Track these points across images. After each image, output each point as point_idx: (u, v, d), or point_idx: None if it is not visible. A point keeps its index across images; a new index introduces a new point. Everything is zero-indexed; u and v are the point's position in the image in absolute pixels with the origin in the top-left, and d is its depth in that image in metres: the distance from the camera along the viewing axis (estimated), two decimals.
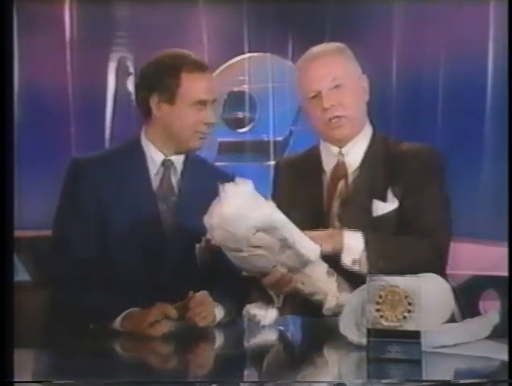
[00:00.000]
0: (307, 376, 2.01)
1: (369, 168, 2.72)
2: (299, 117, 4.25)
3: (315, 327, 2.52)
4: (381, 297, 1.97)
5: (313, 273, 2.47)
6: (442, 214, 2.67)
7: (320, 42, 2.86)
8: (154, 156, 2.66)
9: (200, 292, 2.46)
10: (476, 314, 2.47)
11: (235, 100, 4.42)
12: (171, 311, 2.38)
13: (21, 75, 4.21)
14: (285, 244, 2.38)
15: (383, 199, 2.66)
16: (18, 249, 2.81)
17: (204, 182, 2.59)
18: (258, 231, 2.34)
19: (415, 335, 1.95)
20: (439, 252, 2.63)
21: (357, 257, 2.53)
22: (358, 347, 2.05)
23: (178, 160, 2.67)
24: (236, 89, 4.44)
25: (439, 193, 2.69)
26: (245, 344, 2.39)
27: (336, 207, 2.69)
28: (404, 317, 1.96)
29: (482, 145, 4.03)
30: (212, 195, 2.35)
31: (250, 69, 4.42)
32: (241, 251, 2.36)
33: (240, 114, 4.45)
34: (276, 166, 2.95)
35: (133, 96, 3.57)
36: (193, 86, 2.61)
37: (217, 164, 3.42)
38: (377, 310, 1.97)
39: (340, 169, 2.73)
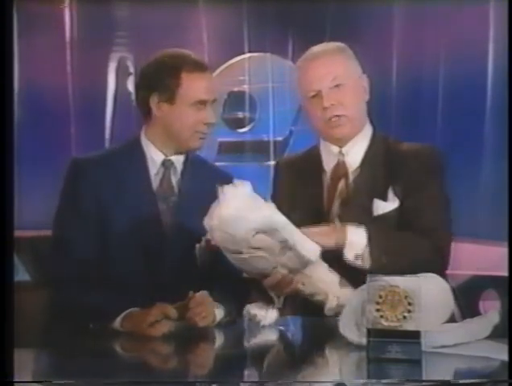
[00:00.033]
0: (307, 376, 2.01)
1: (370, 168, 2.72)
2: (299, 117, 4.25)
3: (316, 327, 2.52)
4: (381, 297, 1.97)
5: (314, 273, 2.47)
6: (442, 214, 2.67)
7: (320, 42, 2.85)
8: (154, 156, 2.66)
9: (200, 292, 2.46)
10: (476, 314, 2.47)
11: (235, 100, 4.43)
12: (171, 311, 2.38)
13: (21, 76, 4.21)
14: (285, 246, 2.38)
15: (384, 198, 2.66)
16: (18, 249, 2.80)
17: (204, 182, 2.59)
18: (258, 233, 2.34)
19: (415, 335, 1.95)
20: (441, 251, 2.63)
21: (360, 252, 2.53)
22: (358, 347, 2.05)
23: (178, 160, 2.67)
24: (236, 89, 4.44)
25: (440, 193, 2.69)
26: (246, 344, 2.39)
27: (336, 206, 2.69)
28: (404, 317, 1.96)
29: (482, 145, 4.03)
30: (212, 195, 2.35)
31: (250, 69, 4.43)
32: (241, 253, 2.36)
33: (240, 114, 4.45)
34: (276, 166, 2.95)
35: (133, 96, 3.57)
36: (193, 86, 2.61)
37: (217, 164, 3.42)
38: (377, 310, 1.97)
39: (340, 168, 2.73)
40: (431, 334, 2.02)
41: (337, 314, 2.34)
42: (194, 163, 2.70)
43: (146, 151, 2.66)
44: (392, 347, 1.95)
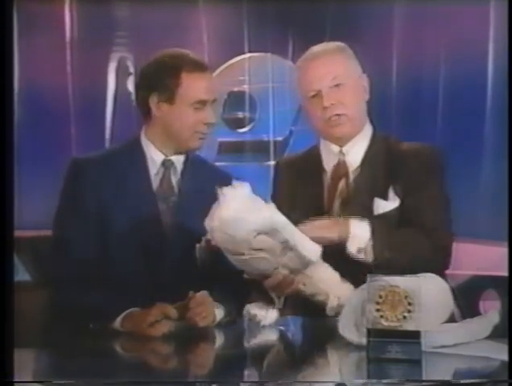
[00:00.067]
0: (307, 376, 2.01)
1: (370, 167, 2.72)
2: (299, 116, 4.25)
3: (316, 327, 2.52)
4: (381, 297, 1.97)
5: (314, 273, 2.47)
6: (442, 214, 2.67)
7: (320, 42, 2.85)
8: (154, 156, 2.66)
9: (201, 292, 2.46)
10: (476, 314, 2.47)
11: (235, 100, 4.43)
12: (171, 311, 2.38)
13: (21, 76, 4.21)
14: (286, 246, 2.38)
15: (384, 197, 2.66)
16: (18, 249, 2.80)
17: (204, 182, 2.59)
18: (259, 234, 2.34)
19: (415, 335, 1.95)
20: (442, 251, 2.63)
21: (363, 246, 2.54)
22: (358, 347, 2.05)
23: (178, 160, 2.67)
24: (236, 89, 4.44)
25: (440, 192, 2.69)
26: (246, 344, 2.39)
27: (336, 206, 2.69)
28: (404, 317, 1.96)
29: (482, 145, 4.03)
30: (212, 195, 2.35)
31: (250, 69, 4.43)
32: (242, 254, 2.36)
33: (240, 114, 4.45)
34: (276, 166, 2.95)
35: (133, 96, 3.57)
36: (193, 86, 2.61)
37: (217, 164, 3.42)
38: (378, 310, 1.97)
39: (341, 168, 2.73)
40: (431, 334, 2.02)
41: (338, 314, 2.33)
42: (194, 163, 2.70)
43: (146, 151, 2.66)
44: (392, 347, 1.95)
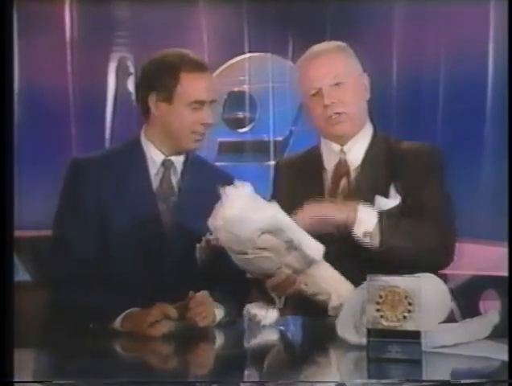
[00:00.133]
0: (307, 376, 2.00)
1: (371, 166, 2.72)
2: (299, 116, 4.25)
3: (316, 327, 2.52)
4: (381, 297, 1.97)
5: (317, 273, 2.47)
6: (443, 212, 2.67)
7: (321, 41, 2.85)
8: (154, 156, 2.66)
9: (201, 292, 2.46)
10: (476, 314, 2.47)
11: (235, 100, 4.43)
12: (171, 311, 2.38)
13: (21, 76, 4.21)
14: (291, 246, 2.38)
15: (385, 195, 2.66)
16: (18, 249, 2.81)
17: (204, 182, 2.59)
18: (263, 233, 2.34)
19: (415, 335, 1.95)
20: (446, 246, 2.64)
21: (370, 230, 2.54)
22: (358, 348, 2.04)
23: (178, 160, 2.67)
24: (236, 89, 4.44)
25: (440, 191, 2.69)
26: (246, 344, 2.39)
27: None
28: (404, 317, 1.96)
29: (482, 145, 4.03)
30: (212, 195, 2.36)
31: (250, 69, 4.42)
32: (245, 253, 2.36)
33: (240, 114, 4.45)
34: (276, 166, 2.95)
35: (133, 96, 3.58)
36: (192, 86, 2.61)
37: (217, 164, 3.43)
38: (378, 310, 1.97)
39: (342, 166, 2.73)
40: (431, 334, 2.02)
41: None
42: (194, 163, 2.70)
43: (146, 151, 2.66)
44: (392, 347, 1.95)
